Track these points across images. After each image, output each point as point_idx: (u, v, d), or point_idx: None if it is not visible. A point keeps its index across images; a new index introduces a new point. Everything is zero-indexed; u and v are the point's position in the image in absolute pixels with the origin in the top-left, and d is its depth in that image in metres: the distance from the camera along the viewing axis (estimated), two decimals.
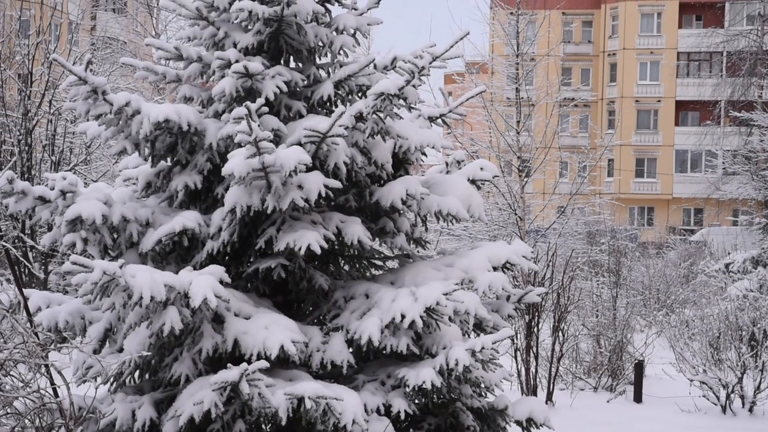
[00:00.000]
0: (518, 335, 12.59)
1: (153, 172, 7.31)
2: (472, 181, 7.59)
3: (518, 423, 7.35)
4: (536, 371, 12.75)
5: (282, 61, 7.44)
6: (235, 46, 7.26)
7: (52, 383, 6.21)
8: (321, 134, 6.38)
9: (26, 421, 5.76)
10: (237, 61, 6.87)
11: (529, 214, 21.16)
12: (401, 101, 6.72)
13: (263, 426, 6.42)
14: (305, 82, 7.35)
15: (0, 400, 5.73)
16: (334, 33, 7.42)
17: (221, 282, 6.16)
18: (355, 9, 7.58)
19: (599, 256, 22.63)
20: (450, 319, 6.58)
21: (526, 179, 20.02)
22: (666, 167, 55.43)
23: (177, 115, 6.75)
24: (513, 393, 10.51)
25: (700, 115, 52.27)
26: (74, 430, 5.83)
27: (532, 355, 12.69)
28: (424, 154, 7.35)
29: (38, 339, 6.07)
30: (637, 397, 13.73)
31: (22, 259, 14.96)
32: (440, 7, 66.66)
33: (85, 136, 7.62)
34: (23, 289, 6.68)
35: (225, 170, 6.22)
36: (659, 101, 56.18)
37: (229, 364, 5.91)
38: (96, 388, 6.33)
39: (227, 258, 7.05)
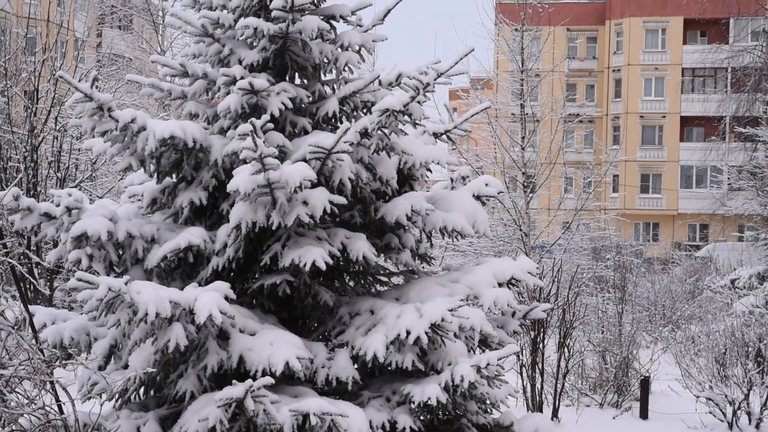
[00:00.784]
0: (524, 351, 12.54)
1: (158, 188, 7.33)
2: (477, 197, 7.60)
3: None
4: (542, 387, 12.69)
5: (287, 78, 7.46)
6: (240, 62, 7.28)
7: (57, 400, 6.21)
8: (326, 150, 6.39)
9: None
10: (242, 78, 6.88)
11: (534, 230, 21.12)
12: (406, 117, 6.73)
13: None
14: (310, 99, 7.37)
15: (5, 416, 5.72)
16: (339, 49, 7.43)
17: (226, 298, 6.16)
18: (360, 26, 7.59)
19: (605, 271, 22.58)
20: (455, 335, 6.57)
21: (531, 195, 19.99)
22: (671, 183, 55.41)
23: (182, 131, 6.77)
24: (519, 409, 10.48)
25: (705, 131, 52.36)
26: None
27: (537, 371, 12.63)
28: (429, 170, 7.37)
29: (43, 355, 6.08)
30: (643, 414, 13.65)
31: (27, 275, 14.95)
32: (445, 25, 66.85)
33: (91, 153, 7.62)
34: (28, 306, 6.69)
35: (230, 186, 6.23)
36: (664, 117, 56.21)
37: (234, 381, 5.92)
38: (101, 405, 6.32)
39: (232, 274, 7.06)
